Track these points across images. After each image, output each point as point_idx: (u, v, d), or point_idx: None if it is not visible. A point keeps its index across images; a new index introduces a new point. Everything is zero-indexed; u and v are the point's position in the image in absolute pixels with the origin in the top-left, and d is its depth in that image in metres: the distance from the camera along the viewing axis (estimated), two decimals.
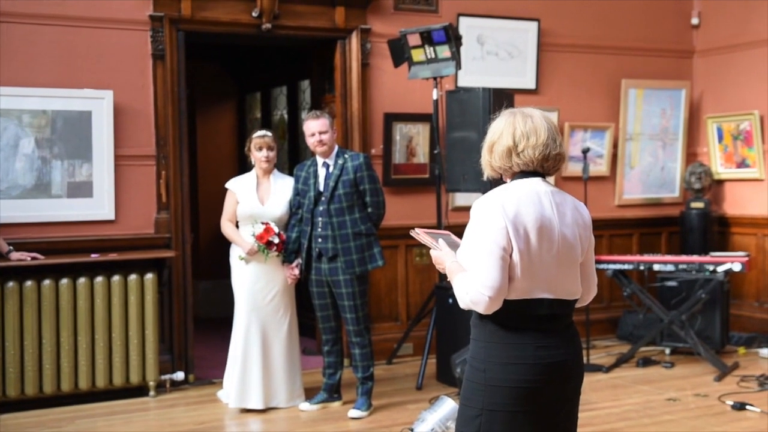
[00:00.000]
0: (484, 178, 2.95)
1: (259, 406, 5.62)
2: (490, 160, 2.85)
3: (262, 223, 5.60)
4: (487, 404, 2.74)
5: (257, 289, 5.65)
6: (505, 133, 2.81)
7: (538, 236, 2.72)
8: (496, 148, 2.82)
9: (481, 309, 2.68)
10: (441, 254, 2.88)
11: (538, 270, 2.72)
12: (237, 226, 5.74)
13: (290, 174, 6.07)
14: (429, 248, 2.95)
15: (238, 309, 5.71)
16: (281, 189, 5.75)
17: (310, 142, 5.56)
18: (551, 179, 2.97)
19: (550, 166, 2.83)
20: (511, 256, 2.68)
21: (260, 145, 5.71)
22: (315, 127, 5.52)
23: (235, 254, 5.72)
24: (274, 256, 5.62)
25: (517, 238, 2.68)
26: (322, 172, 5.58)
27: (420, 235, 2.96)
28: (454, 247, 2.90)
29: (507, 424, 2.73)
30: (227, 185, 5.82)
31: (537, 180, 2.82)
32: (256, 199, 5.69)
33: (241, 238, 5.66)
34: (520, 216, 2.70)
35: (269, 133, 5.80)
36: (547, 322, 2.76)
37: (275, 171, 5.83)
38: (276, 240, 5.56)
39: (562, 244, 2.76)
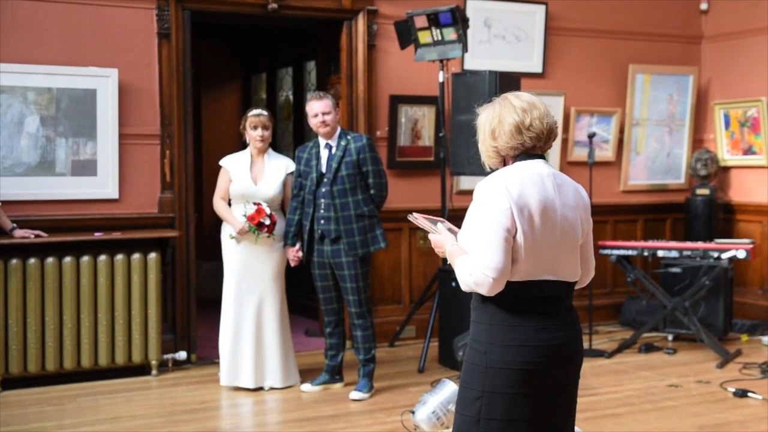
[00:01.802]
0: (487, 168, 2.93)
1: (251, 385, 5.64)
2: (495, 146, 2.82)
3: (254, 204, 5.58)
4: (487, 386, 2.74)
5: (250, 268, 5.65)
6: (504, 114, 2.79)
7: (542, 217, 2.71)
8: (500, 130, 2.80)
9: (484, 291, 2.68)
10: (440, 238, 2.88)
11: (542, 251, 2.72)
12: (230, 204, 5.73)
13: (293, 156, 6.05)
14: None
15: (227, 287, 5.71)
16: (275, 169, 5.73)
17: (313, 123, 5.54)
18: (554, 163, 2.96)
19: (553, 137, 2.84)
20: (515, 237, 2.68)
21: (255, 124, 5.70)
22: (318, 108, 5.51)
23: (226, 232, 5.71)
24: (265, 237, 5.61)
25: (522, 219, 2.68)
26: (324, 154, 5.57)
27: (418, 219, 2.96)
28: (451, 233, 2.90)
29: (507, 406, 2.73)
30: (221, 162, 5.81)
31: (539, 162, 2.81)
32: (249, 179, 5.68)
33: (233, 216, 5.65)
34: (524, 197, 2.70)
35: (265, 112, 5.78)
36: (549, 305, 2.76)
37: (270, 150, 5.82)
38: (267, 221, 5.54)
39: (564, 226, 2.76)
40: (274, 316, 5.70)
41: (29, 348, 5.70)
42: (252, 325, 5.64)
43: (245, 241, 5.63)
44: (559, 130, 2.89)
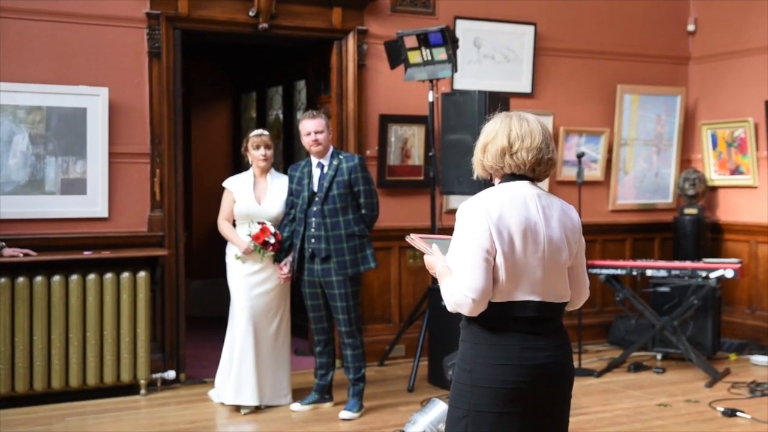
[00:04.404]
0: (474, 177, 2.96)
1: (254, 402, 5.61)
2: (482, 160, 2.86)
3: (259, 223, 5.61)
4: (473, 405, 2.74)
5: (252, 287, 5.65)
6: (500, 134, 2.82)
7: (523, 239, 2.72)
8: (489, 148, 2.83)
9: (465, 311, 2.69)
10: (433, 259, 2.90)
11: (523, 272, 2.73)
12: (234, 225, 5.75)
13: (285, 174, 6.07)
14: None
15: (233, 307, 5.71)
16: (278, 188, 5.75)
17: (306, 141, 5.56)
18: (544, 184, 2.98)
19: (541, 170, 2.84)
20: (495, 258, 2.69)
21: (258, 144, 5.73)
22: (311, 127, 5.53)
23: (231, 253, 5.72)
24: (270, 255, 5.63)
25: (501, 240, 2.69)
26: (316, 173, 5.58)
27: (414, 240, 2.98)
28: None
29: (493, 425, 2.73)
30: (224, 184, 5.83)
31: (524, 183, 2.82)
32: (252, 198, 5.70)
33: (238, 237, 5.66)
34: (504, 218, 2.71)
35: (266, 132, 5.83)
36: (533, 324, 2.76)
37: (272, 170, 5.84)
38: (272, 240, 5.56)
39: (549, 247, 2.77)
40: (272, 333, 5.70)
41: (17, 367, 5.66)
42: (253, 343, 5.62)
43: (250, 261, 5.64)
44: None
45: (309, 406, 5.69)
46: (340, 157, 5.59)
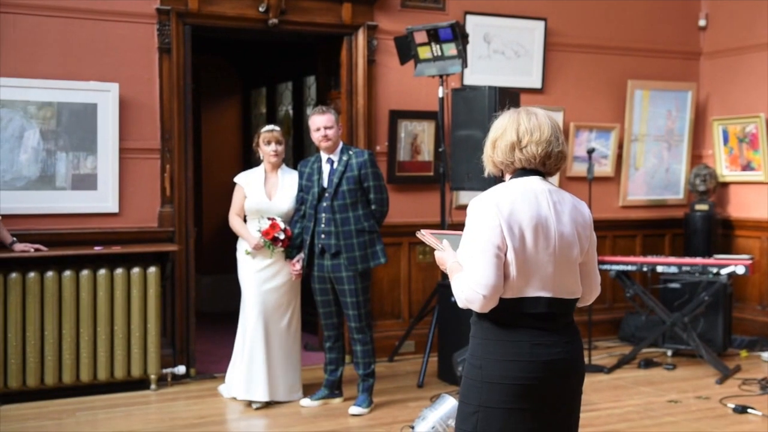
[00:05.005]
0: (485, 174, 2.96)
1: (265, 398, 5.62)
2: (492, 156, 2.86)
3: (268, 219, 5.62)
4: (483, 401, 2.74)
5: (262, 282, 5.66)
6: (509, 129, 2.81)
7: (534, 235, 2.72)
8: (499, 143, 2.83)
9: (476, 307, 2.69)
10: (444, 255, 2.90)
11: (534, 268, 2.72)
12: (245, 221, 5.76)
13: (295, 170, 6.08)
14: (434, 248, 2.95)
15: (244, 302, 5.72)
16: (289, 184, 5.76)
17: (315, 137, 5.56)
18: (554, 180, 2.98)
19: (551, 164, 2.83)
20: (505, 254, 2.69)
21: (269, 140, 5.74)
22: (321, 122, 5.53)
23: (242, 248, 5.73)
24: (280, 251, 5.64)
25: (512, 236, 2.69)
26: (326, 168, 5.58)
27: (425, 236, 2.97)
28: None
29: (504, 421, 2.73)
30: (236, 179, 5.85)
31: (535, 179, 2.82)
32: (263, 194, 5.70)
33: (248, 232, 5.68)
34: (515, 214, 2.71)
35: (277, 128, 5.84)
36: (544, 321, 2.76)
37: (283, 166, 5.85)
38: (282, 236, 5.57)
39: (560, 243, 2.76)
40: (283, 328, 5.72)
41: (28, 362, 5.69)
42: (263, 339, 5.63)
43: (260, 256, 5.65)
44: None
45: (319, 401, 5.70)
46: (350, 152, 5.59)
